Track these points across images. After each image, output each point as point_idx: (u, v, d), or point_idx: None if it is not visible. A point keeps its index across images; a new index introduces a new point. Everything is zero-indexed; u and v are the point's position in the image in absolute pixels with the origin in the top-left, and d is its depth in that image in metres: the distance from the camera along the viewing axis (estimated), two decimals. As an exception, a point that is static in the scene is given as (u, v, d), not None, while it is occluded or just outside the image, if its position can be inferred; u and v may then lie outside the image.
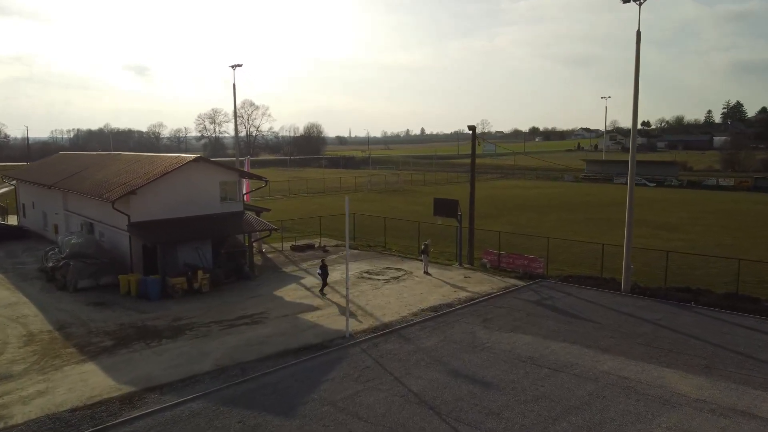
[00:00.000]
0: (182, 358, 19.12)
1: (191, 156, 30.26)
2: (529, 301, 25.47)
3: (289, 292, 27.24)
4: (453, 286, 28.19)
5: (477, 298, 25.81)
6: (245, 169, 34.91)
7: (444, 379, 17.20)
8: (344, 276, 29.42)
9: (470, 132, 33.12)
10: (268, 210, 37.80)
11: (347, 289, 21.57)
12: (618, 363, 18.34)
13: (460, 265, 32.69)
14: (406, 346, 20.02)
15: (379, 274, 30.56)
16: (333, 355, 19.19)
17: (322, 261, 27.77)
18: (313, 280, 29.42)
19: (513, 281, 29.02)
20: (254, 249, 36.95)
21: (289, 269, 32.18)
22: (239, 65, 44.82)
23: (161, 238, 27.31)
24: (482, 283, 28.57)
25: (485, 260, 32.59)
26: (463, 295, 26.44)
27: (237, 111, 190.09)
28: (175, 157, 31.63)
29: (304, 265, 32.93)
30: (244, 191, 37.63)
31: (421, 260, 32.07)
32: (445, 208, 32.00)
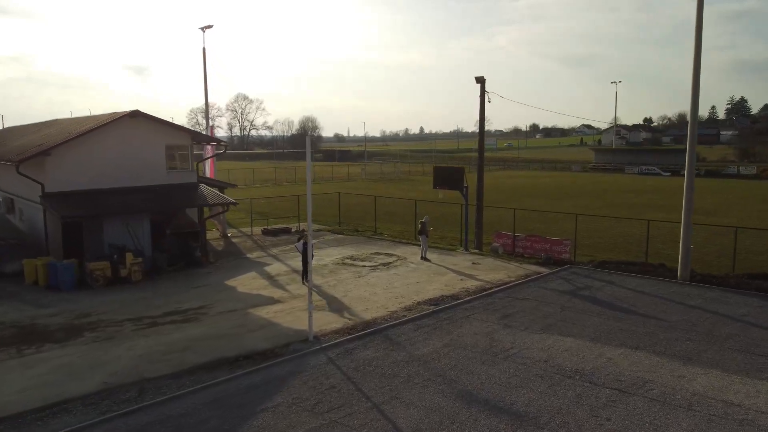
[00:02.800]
0: (61, 372, 12.87)
1: (126, 111, 23.96)
2: (560, 291, 19.23)
3: (245, 282, 20.99)
4: (458, 273, 21.95)
5: (491, 288, 19.58)
6: (225, 148, 28.47)
7: (450, 407, 10.96)
8: (321, 262, 23.27)
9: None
10: (234, 185, 31.60)
11: (310, 275, 15.35)
12: (714, 379, 12.09)
13: (466, 250, 26.47)
14: (393, 353, 13.78)
15: (365, 260, 24.31)
16: (285, 368, 12.93)
17: (303, 238, 21.16)
18: (280, 267, 23.18)
19: (534, 268, 22.79)
20: (218, 232, 30.84)
21: (254, 255, 25.94)
22: (209, 26, 38.58)
23: (77, 211, 21.03)
24: (495, 270, 22.33)
25: (497, 244, 26.37)
26: (471, 284, 20.21)
27: (230, 106, 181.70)
28: (110, 114, 25.35)
29: (274, 251, 26.69)
30: (208, 163, 31.50)
31: (418, 245, 25.89)
32: (447, 178, 25.72)
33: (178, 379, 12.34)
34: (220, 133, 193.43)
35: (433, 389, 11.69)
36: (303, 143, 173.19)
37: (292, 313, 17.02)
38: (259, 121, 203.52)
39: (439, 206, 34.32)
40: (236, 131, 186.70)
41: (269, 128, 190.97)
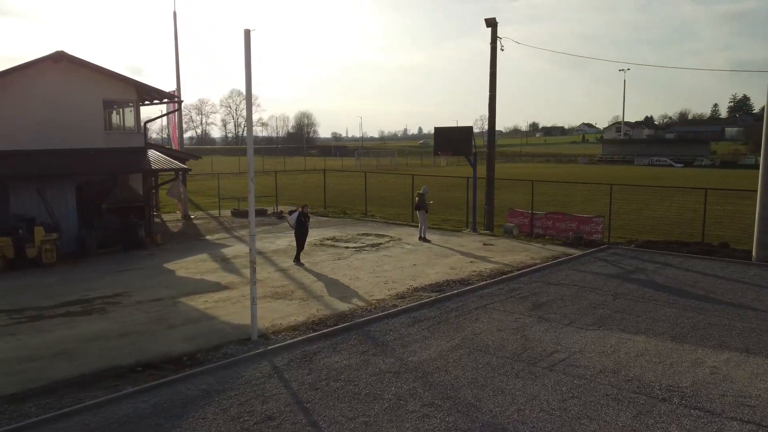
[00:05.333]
0: None
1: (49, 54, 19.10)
2: (605, 275, 14.45)
3: (190, 265, 16.16)
4: (466, 255, 17.17)
5: (511, 272, 14.78)
6: (180, 104, 23.40)
7: (471, 456, 6.15)
8: (294, 243, 18.70)
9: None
10: (197, 157, 26.77)
11: (252, 248, 10.61)
12: None
13: (474, 230, 21.69)
14: (376, 359, 8.97)
15: (349, 241, 19.53)
16: (200, 384, 8.12)
17: (302, 209, 16.74)
18: (240, 249, 18.37)
19: (561, 249, 18.03)
20: (179, 212, 26.11)
21: (215, 236, 21.12)
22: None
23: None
24: (512, 252, 17.55)
25: (511, 224, 21.60)
26: (485, 267, 15.42)
27: (224, 101, 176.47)
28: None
29: (241, 233, 21.87)
30: (172, 133, 26.71)
31: (416, 225, 21.16)
32: (451, 141, 20.80)
33: (17, 404, 7.52)
34: (215, 129, 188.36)
35: (438, 421, 6.89)
36: (298, 140, 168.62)
37: (239, 302, 12.21)
38: (254, 118, 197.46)
39: (440, 190, 29.68)
40: (230, 128, 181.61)
41: (264, 124, 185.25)
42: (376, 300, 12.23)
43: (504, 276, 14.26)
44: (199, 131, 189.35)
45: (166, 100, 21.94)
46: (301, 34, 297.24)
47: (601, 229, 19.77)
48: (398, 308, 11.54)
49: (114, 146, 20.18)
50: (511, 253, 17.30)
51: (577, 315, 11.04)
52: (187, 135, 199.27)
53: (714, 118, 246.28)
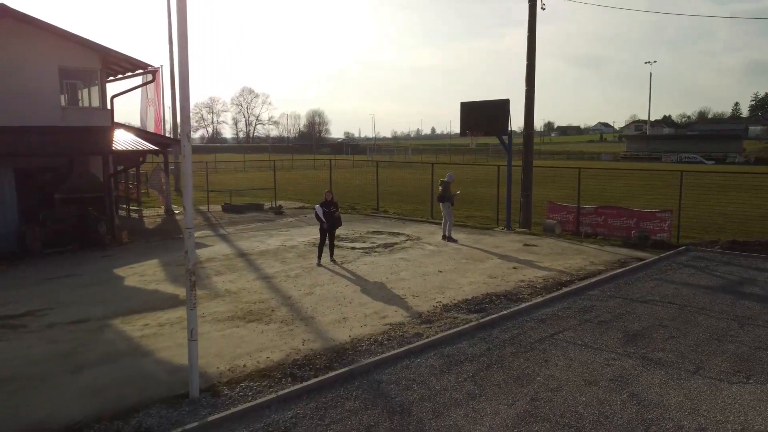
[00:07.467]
0: None
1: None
2: (704, 288, 10.54)
3: (147, 270, 12.48)
4: (506, 258, 13.32)
5: (572, 282, 10.93)
6: (153, 74, 19.61)
7: None
8: (289, 243, 15.14)
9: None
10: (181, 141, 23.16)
11: (189, 249, 7.97)
12: None
13: (509, 228, 17.86)
14: (391, 442, 5.19)
15: (356, 241, 15.81)
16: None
17: (327, 197, 13.24)
18: (220, 250, 14.69)
19: (625, 251, 14.15)
20: (160, 205, 22.58)
21: (196, 234, 17.45)
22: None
23: None
24: (564, 255, 13.67)
25: (552, 220, 17.79)
26: (535, 275, 11.56)
27: (235, 100, 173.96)
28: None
29: (228, 230, 18.23)
30: (153, 116, 23.17)
31: (438, 222, 17.44)
32: (482, 117, 16.85)
33: None
34: (226, 128, 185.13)
35: None
36: (310, 139, 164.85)
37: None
38: (264, 116, 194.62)
39: (463, 184, 25.82)
40: (242, 126, 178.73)
41: (275, 123, 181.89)
42: (390, 325, 8.45)
43: (565, 289, 10.41)
44: (210, 130, 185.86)
45: (139, 71, 18.29)
46: (314, 34, 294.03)
47: (668, 227, 15.98)
48: (423, 340, 7.75)
49: (73, 124, 16.63)
50: (563, 257, 13.44)
51: (701, 354, 7.19)
52: (198, 134, 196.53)
53: (735, 116, 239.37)
